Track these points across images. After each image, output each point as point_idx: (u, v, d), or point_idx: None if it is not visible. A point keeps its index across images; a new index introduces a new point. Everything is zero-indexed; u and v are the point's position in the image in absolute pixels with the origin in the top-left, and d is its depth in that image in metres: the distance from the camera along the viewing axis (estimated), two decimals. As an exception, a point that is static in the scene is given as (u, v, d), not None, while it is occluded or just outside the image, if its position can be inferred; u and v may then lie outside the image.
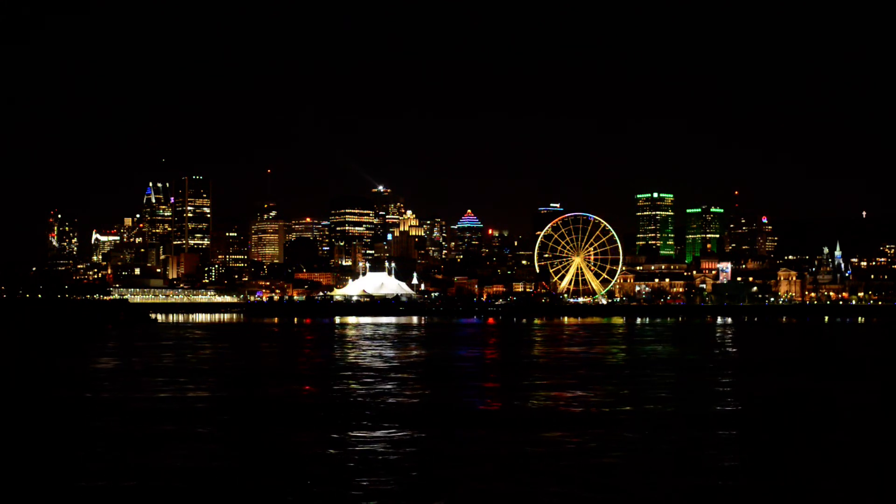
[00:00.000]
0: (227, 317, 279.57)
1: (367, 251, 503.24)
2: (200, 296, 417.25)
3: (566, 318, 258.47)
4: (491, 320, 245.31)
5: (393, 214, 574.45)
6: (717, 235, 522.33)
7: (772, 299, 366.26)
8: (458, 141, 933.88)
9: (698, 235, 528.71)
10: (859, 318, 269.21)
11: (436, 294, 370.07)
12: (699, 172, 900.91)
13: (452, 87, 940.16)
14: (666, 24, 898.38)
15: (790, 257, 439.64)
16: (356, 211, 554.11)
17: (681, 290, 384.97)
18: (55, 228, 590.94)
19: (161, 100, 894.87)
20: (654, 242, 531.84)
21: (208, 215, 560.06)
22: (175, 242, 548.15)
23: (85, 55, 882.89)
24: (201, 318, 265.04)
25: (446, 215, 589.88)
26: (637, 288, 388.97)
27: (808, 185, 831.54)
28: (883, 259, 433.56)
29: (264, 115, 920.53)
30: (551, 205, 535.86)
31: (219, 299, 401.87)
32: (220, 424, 43.88)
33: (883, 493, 30.43)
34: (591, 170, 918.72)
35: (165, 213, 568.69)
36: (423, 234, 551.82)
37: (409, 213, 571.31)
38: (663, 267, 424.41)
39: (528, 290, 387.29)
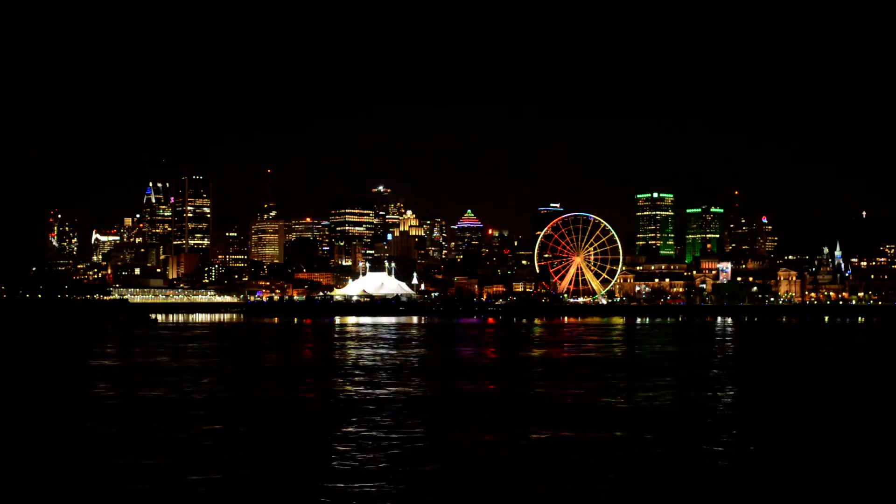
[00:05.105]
0: (227, 317, 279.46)
1: (367, 251, 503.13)
2: (200, 296, 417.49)
3: (566, 318, 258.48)
4: (491, 320, 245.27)
5: (393, 214, 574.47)
6: (717, 235, 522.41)
7: (772, 299, 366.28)
8: (458, 141, 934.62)
9: (698, 235, 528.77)
10: (859, 318, 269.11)
11: (436, 294, 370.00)
12: (699, 172, 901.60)
13: (453, 86, 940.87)
14: (666, 22, 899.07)
15: (790, 257, 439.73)
16: (356, 211, 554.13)
17: (681, 290, 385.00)
18: (55, 228, 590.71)
19: (161, 100, 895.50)
20: (654, 242, 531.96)
21: (208, 215, 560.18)
22: (175, 242, 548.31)
23: (85, 55, 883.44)
24: (201, 318, 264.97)
25: (446, 215, 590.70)
26: (637, 288, 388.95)
27: (808, 185, 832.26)
28: (883, 259, 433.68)
29: (264, 115, 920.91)
30: (551, 205, 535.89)
31: (219, 299, 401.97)
32: (218, 424, 43.84)
33: (882, 492, 30.39)
34: (591, 170, 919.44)
35: (165, 213, 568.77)
36: (423, 234, 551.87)
37: (409, 213, 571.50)
38: (663, 267, 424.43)
39: (528, 290, 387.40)
